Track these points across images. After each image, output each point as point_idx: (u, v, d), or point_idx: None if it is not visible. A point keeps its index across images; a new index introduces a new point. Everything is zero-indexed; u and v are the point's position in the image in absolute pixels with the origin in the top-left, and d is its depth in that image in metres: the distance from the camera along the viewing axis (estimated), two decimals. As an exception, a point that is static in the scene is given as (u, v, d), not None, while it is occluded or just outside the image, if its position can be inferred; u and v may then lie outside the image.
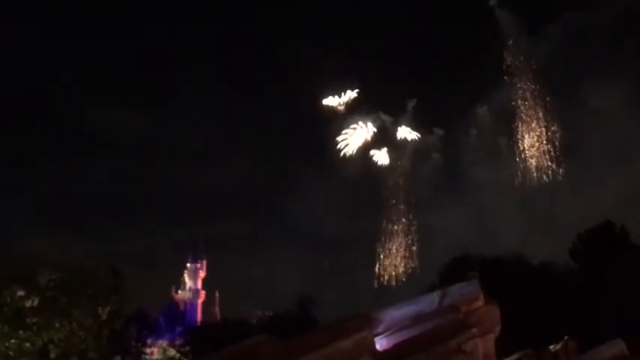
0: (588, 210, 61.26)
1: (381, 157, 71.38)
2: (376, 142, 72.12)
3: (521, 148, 72.97)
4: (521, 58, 77.24)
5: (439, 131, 76.34)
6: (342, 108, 72.56)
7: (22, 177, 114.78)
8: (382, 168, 71.65)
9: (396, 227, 70.17)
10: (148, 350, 51.18)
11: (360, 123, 71.39)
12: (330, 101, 72.10)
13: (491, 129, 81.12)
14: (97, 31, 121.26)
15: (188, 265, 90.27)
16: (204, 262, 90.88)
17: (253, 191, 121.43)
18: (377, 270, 68.62)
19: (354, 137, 71.36)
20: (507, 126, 79.19)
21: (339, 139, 71.00)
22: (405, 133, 72.39)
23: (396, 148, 72.56)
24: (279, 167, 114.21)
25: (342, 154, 70.98)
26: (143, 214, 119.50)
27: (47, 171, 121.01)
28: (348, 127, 71.61)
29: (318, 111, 72.66)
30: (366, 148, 71.64)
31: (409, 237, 70.39)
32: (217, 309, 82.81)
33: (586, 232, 49.76)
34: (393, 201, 70.70)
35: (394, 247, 69.78)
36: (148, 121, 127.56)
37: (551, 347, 16.76)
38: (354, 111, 72.67)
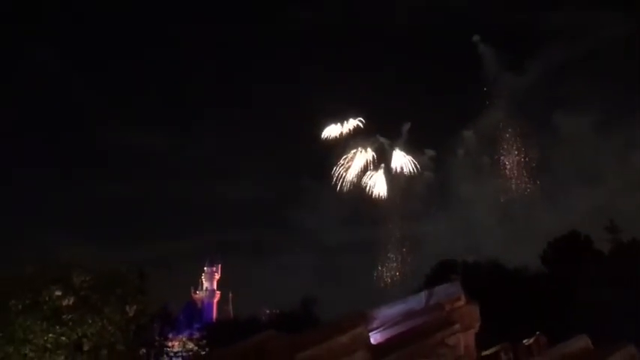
0: (558, 222, 61.16)
1: (378, 177, 71.44)
2: (374, 162, 72.33)
3: (502, 168, 73.44)
4: (502, 87, 77.95)
5: (430, 152, 76.72)
6: (344, 134, 72.47)
7: (57, 192, 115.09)
8: (379, 186, 71.77)
9: (391, 237, 70.29)
10: (169, 344, 51.06)
11: (360, 148, 71.51)
12: (332, 130, 72.24)
13: (476, 150, 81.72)
14: (125, 56, 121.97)
15: (205, 268, 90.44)
16: (219, 266, 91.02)
17: (264, 203, 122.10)
18: (374, 274, 68.68)
19: (355, 160, 71.38)
20: (490, 147, 79.84)
21: (341, 161, 71.04)
22: (400, 157, 72.54)
23: (392, 168, 72.70)
24: (287, 182, 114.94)
25: (344, 175, 71.02)
26: (165, 224, 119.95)
27: (79, 186, 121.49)
28: (350, 149, 71.73)
29: (322, 141, 72.81)
30: (365, 168, 71.78)
31: (403, 245, 70.51)
32: (230, 307, 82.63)
33: (555, 240, 49.76)
34: (389, 214, 70.76)
35: (389, 254, 69.83)
36: (169, 140, 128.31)
37: (524, 341, 16.69)
38: (355, 135, 72.87)
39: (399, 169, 72.74)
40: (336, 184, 72.78)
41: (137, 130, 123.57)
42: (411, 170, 73.25)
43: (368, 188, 72.15)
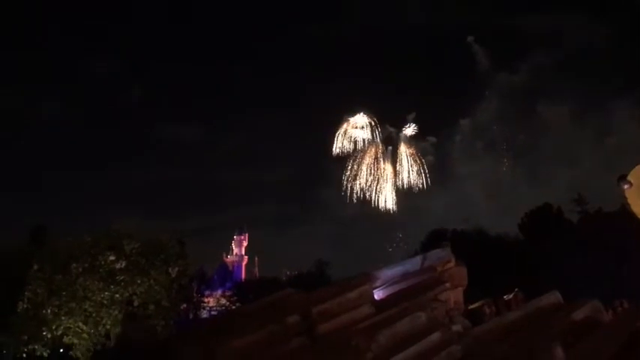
0: (538, 197, 60.84)
1: (387, 162, 71.07)
2: (384, 148, 71.96)
3: (493, 150, 73.41)
4: (493, 82, 77.72)
5: (432, 139, 76.22)
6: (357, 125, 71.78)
7: (110, 175, 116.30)
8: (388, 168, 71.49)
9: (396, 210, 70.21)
10: (205, 300, 51.40)
11: (371, 137, 70.93)
12: (349, 121, 71.64)
13: (471, 136, 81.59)
14: (165, 58, 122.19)
15: (234, 236, 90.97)
16: (247, 234, 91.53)
17: (289, 183, 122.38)
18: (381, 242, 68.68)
19: (368, 148, 71.00)
20: (484, 134, 79.80)
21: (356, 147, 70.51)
22: (405, 143, 72.01)
23: (399, 153, 72.28)
24: (310, 165, 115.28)
25: (359, 159, 70.62)
26: (203, 201, 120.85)
27: (129, 170, 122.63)
28: (363, 138, 71.16)
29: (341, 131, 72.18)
30: (376, 154, 71.46)
31: (404, 217, 70.45)
32: (257, 269, 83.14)
33: (531, 211, 49.61)
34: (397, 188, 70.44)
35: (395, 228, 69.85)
36: (207, 129, 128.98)
37: (505, 297, 16.66)
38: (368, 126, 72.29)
39: (405, 154, 72.06)
40: (352, 165, 72.43)
41: (180, 123, 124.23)
42: (415, 154, 72.46)
43: (378, 170, 71.79)
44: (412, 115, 73.96)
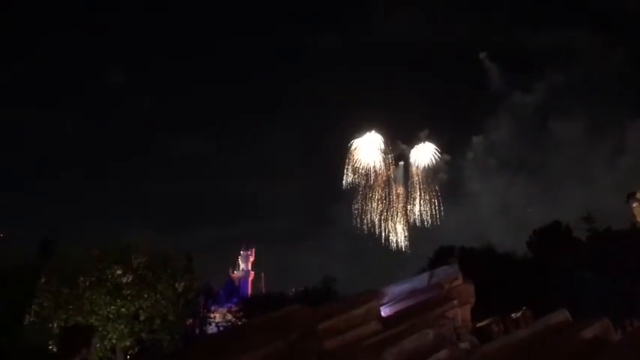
0: (549, 214, 60.25)
1: (399, 179, 69.75)
2: (395, 165, 70.61)
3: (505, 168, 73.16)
4: (505, 98, 77.71)
5: (446, 157, 75.12)
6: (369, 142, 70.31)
7: (124, 189, 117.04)
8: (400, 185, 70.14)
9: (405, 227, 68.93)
10: (211, 315, 51.22)
11: (384, 154, 69.68)
12: (361, 138, 70.44)
13: (484, 153, 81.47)
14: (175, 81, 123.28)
15: (241, 252, 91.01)
16: (254, 249, 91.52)
17: (297, 197, 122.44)
18: (387, 256, 67.64)
19: (381, 166, 69.55)
20: (496, 151, 79.89)
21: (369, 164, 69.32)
22: (418, 159, 70.67)
23: (411, 170, 70.97)
24: (322, 179, 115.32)
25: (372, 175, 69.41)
26: (213, 214, 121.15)
27: (139, 184, 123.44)
28: (375, 156, 69.80)
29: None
30: (388, 172, 70.22)
31: (414, 234, 69.13)
32: (263, 285, 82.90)
33: (539, 229, 49.31)
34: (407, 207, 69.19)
35: (403, 240, 68.74)
36: (217, 145, 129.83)
37: (512, 315, 16.56)
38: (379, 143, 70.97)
39: (417, 173, 70.77)
40: (362, 199, 70.91)
41: (189, 136, 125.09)
42: (428, 169, 71.07)
43: (391, 208, 70.33)
44: (425, 132, 72.94)
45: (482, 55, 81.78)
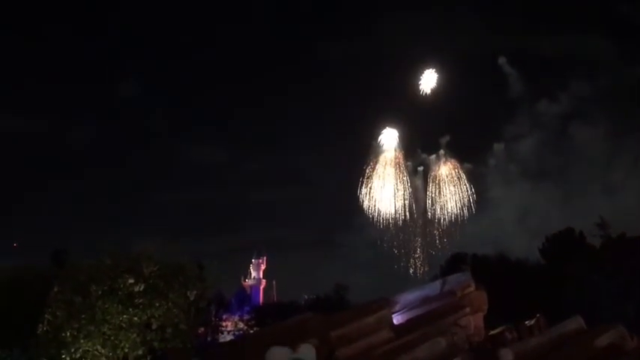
0: (567, 221, 59.67)
1: (418, 188, 67.87)
2: (415, 174, 69.01)
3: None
4: (525, 104, 77.14)
5: (468, 165, 72.92)
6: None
7: (137, 198, 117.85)
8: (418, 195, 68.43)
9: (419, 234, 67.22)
10: (223, 324, 51.22)
11: (403, 164, 67.94)
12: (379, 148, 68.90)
13: (505, 160, 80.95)
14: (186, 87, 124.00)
15: (253, 260, 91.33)
16: (265, 257, 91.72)
17: (314, 202, 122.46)
18: (401, 265, 66.30)
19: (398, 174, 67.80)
20: (517, 159, 79.47)
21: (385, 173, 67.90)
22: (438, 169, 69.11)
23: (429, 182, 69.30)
24: (337, 186, 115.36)
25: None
26: (222, 222, 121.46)
27: (152, 193, 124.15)
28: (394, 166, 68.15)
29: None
30: (407, 181, 68.54)
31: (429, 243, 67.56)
32: (274, 293, 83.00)
33: (552, 235, 49.09)
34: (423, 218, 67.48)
35: (417, 250, 67.33)
36: (227, 153, 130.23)
37: (526, 322, 16.43)
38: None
39: (437, 183, 68.95)
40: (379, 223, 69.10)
41: (201, 146, 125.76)
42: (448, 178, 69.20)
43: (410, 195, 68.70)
44: (445, 139, 71.27)
45: (501, 61, 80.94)
